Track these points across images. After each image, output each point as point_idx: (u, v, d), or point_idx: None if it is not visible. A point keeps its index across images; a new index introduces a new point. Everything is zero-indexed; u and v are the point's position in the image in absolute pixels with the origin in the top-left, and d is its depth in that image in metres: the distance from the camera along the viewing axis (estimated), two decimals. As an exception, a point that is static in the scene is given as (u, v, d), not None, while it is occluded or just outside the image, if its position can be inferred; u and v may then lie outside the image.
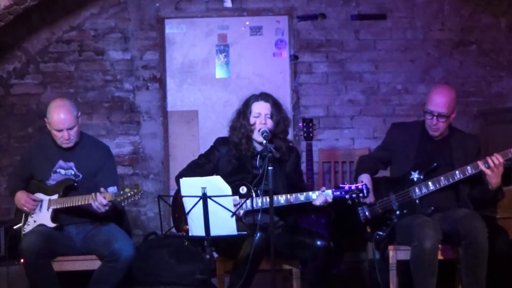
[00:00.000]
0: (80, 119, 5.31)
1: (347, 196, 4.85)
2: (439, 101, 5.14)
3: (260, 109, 5.12)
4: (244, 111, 5.18)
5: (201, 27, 7.71)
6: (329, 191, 4.89)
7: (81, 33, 7.51)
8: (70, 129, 5.19)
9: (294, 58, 7.50)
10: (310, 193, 4.96)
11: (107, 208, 5.07)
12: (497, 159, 4.95)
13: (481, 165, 4.99)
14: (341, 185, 4.93)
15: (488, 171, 4.97)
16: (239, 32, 7.71)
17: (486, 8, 7.16)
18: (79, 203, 5.11)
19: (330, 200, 4.88)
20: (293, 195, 4.96)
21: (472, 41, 7.49)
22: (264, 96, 5.19)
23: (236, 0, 7.50)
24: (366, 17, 7.50)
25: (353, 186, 4.87)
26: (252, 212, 4.93)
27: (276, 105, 5.17)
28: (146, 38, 7.53)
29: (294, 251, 5.00)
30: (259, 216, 4.74)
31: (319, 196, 4.90)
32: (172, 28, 7.71)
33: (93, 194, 5.06)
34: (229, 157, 5.21)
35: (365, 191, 4.84)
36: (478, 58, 7.51)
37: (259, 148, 5.16)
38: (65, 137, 5.20)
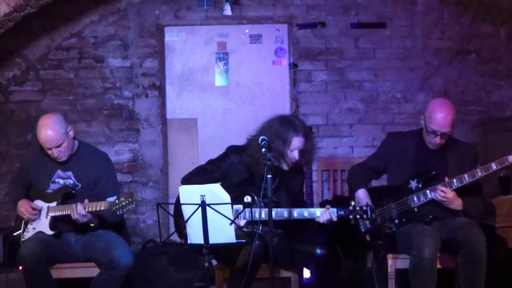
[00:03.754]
0: (72, 131, 5.30)
1: (351, 217, 4.88)
2: (444, 121, 5.11)
3: (298, 143, 5.08)
4: (281, 139, 5.05)
5: (200, 35, 7.71)
6: (334, 210, 4.90)
7: (80, 40, 7.52)
8: (58, 146, 5.19)
9: (293, 66, 7.50)
10: (314, 209, 4.99)
11: (86, 218, 5.10)
12: (442, 191, 5.07)
13: (431, 195, 5.15)
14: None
15: (442, 202, 5.12)
16: (239, 40, 7.71)
17: (485, 17, 7.17)
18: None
19: (334, 219, 4.90)
20: (297, 210, 4.98)
21: (472, 50, 7.50)
22: (302, 130, 5.13)
23: (236, 8, 7.51)
24: (365, 25, 7.51)
25: (357, 207, 4.88)
26: (253, 223, 4.95)
27: (308, 136, 5.18)
28: (146, 46, 7.54)
29: (294, 259, 5.01)
30: (260, 226, 4.77)
31: (324, 213, 4.91)
32: (172, 36, 7.71)
33: (73, 205, 5.10)
34: (241, 168, 5.20)
35: (369, 213, 4.85)
36: (477, 67, 7.52)
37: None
38: (54, 155, 5.22)
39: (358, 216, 4.87)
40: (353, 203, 4.96)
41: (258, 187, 5.03)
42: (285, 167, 5.14)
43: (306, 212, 4.98)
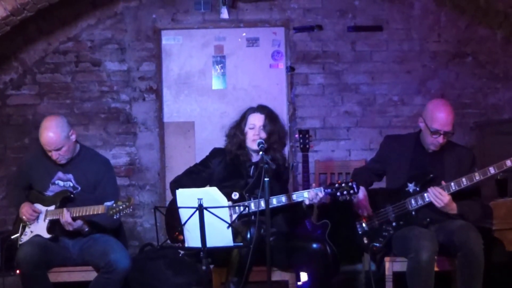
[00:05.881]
0: (74, 136, 5.28)
1: (338, 193, 4.90)
2: (446, 120, 5.13)
3: (255, 120, 5.29)
4: (239, 122, 5.37)
5: (197, 38, 7.71)
6: (321, 188, 4.99)
7: (77, 44, 7.52)
8: (58, 149, 5.18)
9: (290, 69, 7.51)
10: (301, 192, 5.07)
11: (72, 227, 5.11)
12: (438, 193, 5.06)
13: (428, 198, 5.12)
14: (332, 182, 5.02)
15: (435, 203, 5.08)
16: (236, 43, 7.72)
17: (482, 20, 7.18)
18: (74, 215, 5.10)
19: (321, 194, 4.96)
20: (286, 195, 5.05)
21: (469, 53, 7.51)
22: (260, 108, 5.37)
23: (233, 12, 7.51)
24: (362, 28, 7.52)
25: (343, 183, 4.93)
26: (245, 216, 5.00)
27: (271, 117, 5.30)
28: (143, 49, 7.54)
29: (290, 256, 5.02)
30: (252, 217, 4.84)
31: (310, 192, 4.99)
32: (169, 39, 7.71)
33: (64, 209, 5.10)
34: (224, 165, 5.33)
35: (355, 188, 4.90)
36: (474, 69, 7.53)
37: (255, 158, 5.25)
38: (53, 157, 5.21)
39: (345, 192, 4.91)
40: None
41: (243, 178, 5.26)
42: (254, 157, 5.27)
43: (295, 195, 5.05)
